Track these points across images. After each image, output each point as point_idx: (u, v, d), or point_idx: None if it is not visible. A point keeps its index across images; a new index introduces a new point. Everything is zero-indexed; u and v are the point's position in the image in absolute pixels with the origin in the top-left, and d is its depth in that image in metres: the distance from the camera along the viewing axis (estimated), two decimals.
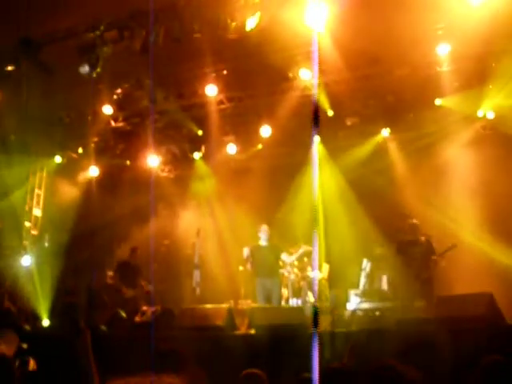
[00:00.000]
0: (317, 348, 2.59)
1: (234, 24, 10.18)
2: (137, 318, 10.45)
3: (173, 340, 7.88)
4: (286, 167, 15.15)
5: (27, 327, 11.99)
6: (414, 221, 11.97)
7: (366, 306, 12.53)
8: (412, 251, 11.64)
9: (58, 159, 15.28)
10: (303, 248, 13.89)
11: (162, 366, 4.13)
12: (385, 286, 13.88)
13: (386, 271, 13.71)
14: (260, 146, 15.56)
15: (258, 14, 9.97)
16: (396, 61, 11.87)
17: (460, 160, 13.45)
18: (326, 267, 13.61)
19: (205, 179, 15.94)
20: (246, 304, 13.49)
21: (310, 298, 13.63)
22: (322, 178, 15.04)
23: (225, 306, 11.71)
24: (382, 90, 13.15)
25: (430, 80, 12.47)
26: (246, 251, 12.63)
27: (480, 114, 13.12)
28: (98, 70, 11.10)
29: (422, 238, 11.79)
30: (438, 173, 13.74)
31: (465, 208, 12.77)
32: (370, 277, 13.22)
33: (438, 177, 13.77)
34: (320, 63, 12.12)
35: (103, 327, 10.41)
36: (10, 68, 11.78)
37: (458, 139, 13.72)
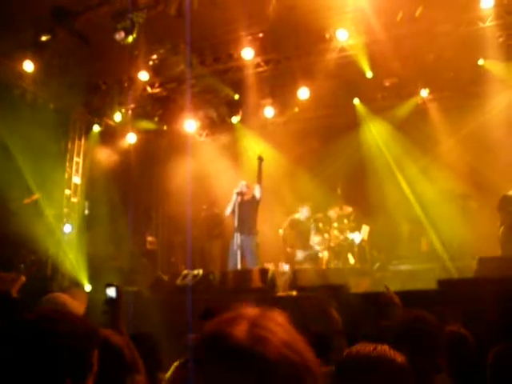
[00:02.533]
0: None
1: None
2: (178, 281, 10.54)
3: (214, 303, 7.93)
4: (324, 129, 15.08)
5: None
6: None
7: (405, 267, 12.51)
8: None
9: (96, 128, 15.36)
10: (344, 209, 13.91)
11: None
12: (424, 247, 13.84)
13: (425, 233, 13.67)
14: (297, 110, 15.47)
15: None
16: (436, 17, 11.58)
17: (502, 120, 13.16)
18: (365, 229, 13.55)
19: (244, 142, 15.92)
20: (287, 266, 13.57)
21: (351, 259, 13.64)
22: (363, 138, 15.02)
23: (266, 267, 11.79)
24: (421, 48, 12.88)
25: (472, 36, 12.15)
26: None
27: None
28: (134, 35, 11.08)
29: None
30: (478, 133, 13.49)
31: (506, 168, 12.54)
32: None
33: (478, 137, 13.52)
34: (357, 23, 11.97)
35: (146, 291, 10.55)
36: (45, 38, 11.81)
37: (500, 99, 13.41)
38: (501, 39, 12.17)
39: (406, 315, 3.49)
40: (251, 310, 1.51)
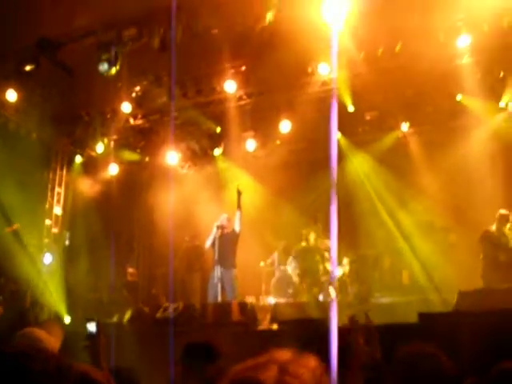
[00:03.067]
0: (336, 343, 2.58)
1: (252, 19, 10.20)
2: (158, 314, 10.47)
3: (195, 336, 7.89)
4: (306, 162, 15.16)
5: None
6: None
7: (386, 300, 12.54)
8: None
9: (78, 158, 15.35)
10: (324, 242, 13.98)
11: (193, 359, 4.13)
12: (406, 280, 13.89)
13: (406, 265, 13.72)
14: (278, 142, 15.55)
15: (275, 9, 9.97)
16: (415, 54, 11.75)
17: (481, 153, 13.31)
18: (346, 262, 13.60)
19: (225, 175, 15.94)
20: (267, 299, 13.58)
21: (332, 292, 13.62)
22: (345, 171, 15.11)
23: (245, 301, 11.77)
24: (401, 83, 13.05)
25: (450, 73, 12.35)
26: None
27: (502, 105, 13.04)
28: (117, 67, 11.14)
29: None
30: (458, 166, 13.63)
31: (486, 201, 12.65)
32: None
33: (458, 170, 13.66)
34: (339, 57, 12.10)
35: (125, 323, 10.47)
36: (29, 67, 11.84)
37: (479, 133, 13.59)
38: (478, 76, 12.38)
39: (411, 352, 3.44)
40: (283, 354, 1.50)
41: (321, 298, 13.32)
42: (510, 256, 11.09)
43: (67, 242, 15.15)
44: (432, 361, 3.35)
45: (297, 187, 14.91)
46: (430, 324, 8.09)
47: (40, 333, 3.68)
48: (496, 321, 7.55)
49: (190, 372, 4.04)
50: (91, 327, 3.79)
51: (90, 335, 3.80)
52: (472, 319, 7.54)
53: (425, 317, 8.47)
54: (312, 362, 1.47)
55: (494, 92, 12.81)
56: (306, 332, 8.09)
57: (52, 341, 3.71)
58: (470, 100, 13.20)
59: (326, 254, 14.12)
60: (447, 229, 13.81)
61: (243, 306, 10.04)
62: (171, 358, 5.15)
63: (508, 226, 11.48)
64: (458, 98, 13.30)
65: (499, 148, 13.16)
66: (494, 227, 11.53)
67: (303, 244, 14.26)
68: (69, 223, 15.05)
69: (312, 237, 14.10)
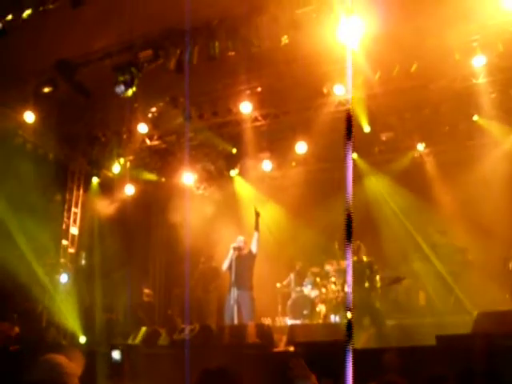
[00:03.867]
0: (351, 365, 2.55)
1: (267, 41, 10.24)
2: (175, 336, 10.44)
3: (212, 358, 7.85)
4: (322, 183, 15.10)
5: (65, 343, 12.10)
6: None
7: (403, 321, 12.44)
8: None
9: (94, 179, 15.43)
10: (341, 264, 13.94)
11: None
12: (422, 301, 13.80)
13: (423, 287, 13.64)
14: (294, 164, 15.56)
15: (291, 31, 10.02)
16: (431, 74, 11.76)
17: (498, 173, 13.24)
18: None
19: (242, 195, 15.95)
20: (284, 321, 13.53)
21: (348, 314, 13.55)
22: (361, 192, 15.09)
23: (263, 322, 11.72)
24: (416, 103, 13.06)
25: (466, 93, 12.35)
26: None
27: None
28: (133, 89, 11.19)
29: None
30: (474, 186, 13.56)
31: (504, 221, 12.57)
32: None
33: (474, 190, 13.59)
34: (354, 78, 12.12)
35: (141, 344, 10.45)
36: (47, 89, 11.96)
37: (495, 152, 13.54)
38: (493, 95, 12.35)
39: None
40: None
41: (337, 319, 13.25)
42: None
43: (83, 262, 15.19)
44: None
45: (314, 208, 14.86)
46: (447, 346, 8.01)
47: (61, 359, 3.68)
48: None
49: None
50: (116, 355, 3.77)
51: (115, 363, 3.79)
52: (490, 341, 7.45)
53: (442, 339, 8.39)
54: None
55: (509, 111, 12.77)
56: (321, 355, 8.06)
57: (73, 367, 3.71)
58: (486, 121, 13.17)
59: (343, 275, 14.07)
60: (465, 249, 13.73)
61: (260, 328, 10.00)
62: (187, 382, 5.13)
63: None
64: (475, 118, 13.27)
65: None
66: None
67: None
68: (85, 243, 15.09)
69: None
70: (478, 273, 13.09)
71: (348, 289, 10.06)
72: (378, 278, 11.58)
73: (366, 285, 11.37)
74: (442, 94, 12.43)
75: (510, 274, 11.51)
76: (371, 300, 11.36)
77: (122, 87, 11.13)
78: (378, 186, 15.13)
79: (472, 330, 8.94)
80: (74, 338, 12.84)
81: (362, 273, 11.50)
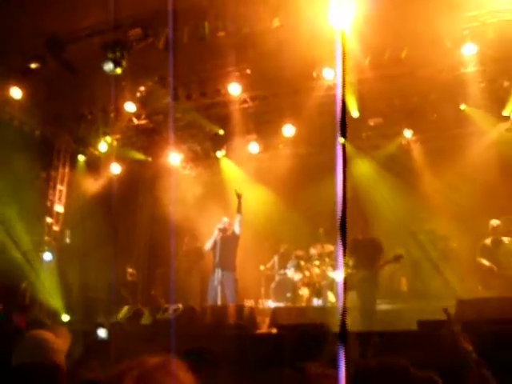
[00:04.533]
0: (342, 348, 2.55)
1: (258, 23, 10.20)
2: (158, 316, 10.46)
3: (194, 338, 7.87)
4: (309, 167, 15.12)
5: (48, 321, 12.08)
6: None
7: (386, 307, 12.52)
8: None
9: (80, 157, 15.34)
10: (326, 248, 13.99)
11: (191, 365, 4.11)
12: (404, 287, 13.90)
13: (405, 273, 13.73)
14: (281, 146, 15.54)
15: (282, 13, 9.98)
16: (421, 61, 11.76)
17: (484, 162, 13.31)
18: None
19: (228, 177, 15.93)
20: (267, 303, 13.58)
21: (331, 297, 13.64)
22: (347, 177, 15.08)
23: (246, 304, 11.77)
24: (405, 90, 13.07)
25: (455, 81, 12.37)
26: None
27: (505, 114, 13.06)
28: (122, 67, 11.11)
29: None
30: (460, 175, 13.64)
31: (487, 210, 12.65)
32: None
33: (460, 179, 13.67)
34: (344, 63, 12.10)
35: (124, 323, 10.46)
36: (34, 65, 11.84)
37: (482, 141, 13.60)
38: (482, 84, 12.39)
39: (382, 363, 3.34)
40: (150, 360, 1.48)
41: (319, 302, 13.31)
42: (503, 269, 11.23)
43: (67, 241, 15.13)
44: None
45: (300, 191, 14.90)
46: (429, 331, 8.09)
47: (48, 335, 3.66)
48: (493, 330, 7.56)
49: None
50: (102, 333, 3.76)
51: (101, 341, 3.78)
52: (470, 328, 7.52)
53: (424, 324, 8.47)
54: (178, 369, 1.46)
55: (497, 101, 12.83)
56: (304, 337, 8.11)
57: (60, 343, 3.70)
58: (473, 110, 13.22)
59: (327, 259, 14.13)
60: (448, 237, 13.83)
61: (240, 310, 10.04)
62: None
63: (502, 236, 11.62)
64: (462, 107, 13.31)
65: (501, 157, 13.15)
66: (489, 240, 11.62)
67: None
68: (70, 221, 15.03)
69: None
70: (459, 260, 13.22)
71: (333, 273, 10.09)
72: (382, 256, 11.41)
73: (371, 265, 11.20)
74: (430, 81, 12.44)
75: (480, 265, 11.63)
76: (374, 282, 11.26)
77: (111, 65, 11.04)
78: (363, 171, 15.17)
79: (453, 316, 9.03)
80: (57, 316, 12.83)
81: (368, 251, 11.35)
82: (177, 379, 1.42)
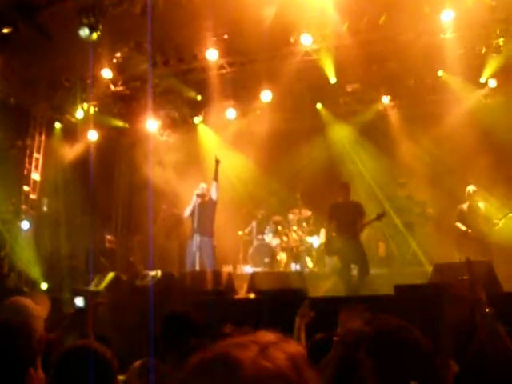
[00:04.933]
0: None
1: None
2: (137, 282, 10.50)
3: (173, 304, 7.91)
4: (286, 132, 15.13)
5: (26, 290, 12.08)
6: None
7: None
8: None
9: (57, 124, 15.19)
10: (303, 213, 14.07)
11: (172, 331, 4.14)
12: (382, 252, 14.04)
13: (383, 238, 13.86)
14: (258, 112, 15.50)
15: None
16: (399, 26, 11.75)
17: (460, 128, 13.39)
18: (324, 233, 13.66)
19: (205, 143, 15.90)
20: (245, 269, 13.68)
21: (309, 263, 13.76)
22: (324, 142, 15.17)
23: (224, 270, 11.83)
24: (383, 55, 13.06)
25: (433, 47, 12.37)
26: None
27: (482, 81, 13.13)
28: (98, 33, 10.97)
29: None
30: (437, 141, 13.72)
31: (465, 176, 12.75)
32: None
33: (437, 145, 13.76)
34: (322, 28, 12.08)
35: (103, 290, 10.48)
36: (6, 30, 11.64)
37: (459, 108, 13.66)
38: (460, 51, 12.41)
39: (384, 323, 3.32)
40: (267, 336, 1.46)
41: (297, 267, 13.42)
42: (478, 233, 11.35)
43: (45, 209, 15.04)
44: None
45: (277, 156, 14.91)
46: (405, 296, 8.22)
47: (27, 301, 3.67)
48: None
49: (169, 343, 4.05)
50: (79, 302, 3.77)
51: (79, 310, 3.78)
52: (445, 291, 7.65)
53: (400, 289, 8.60)
54: (294, 347, 1.44)
55: (475, 68, 12.88)
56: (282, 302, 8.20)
57: (39, 310, 3.70)
58: (451, 77, 13.29)
59: (304, 225, 14.23)
60: (424, 202, 13.95)
61: (218, 275, 10.10)
62: (151, 326, 5.16)
63: (478, 201, 11.72)
64: (439, 73, 13.36)
65: (478, 123, 13.23)
66: (465, 205, 11.73)
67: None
68: (47, 189, 14.92)
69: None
70: (436, 226, 13.37)
71: (311, 239, 10.10)
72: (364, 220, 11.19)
73: (354, 228, 10.98)
74: (408, 47, 12.42)
75: (456, 229, 11.78)
76: (359, 245, 11.08)
77: (87, 30, 10.89)
78: (341, 136, 15.23)
79: (429, 280, 9.18)
80: (35, 285, 12.82)
81: (350, 215, 11.13)
82: (292, 360, 1.37)
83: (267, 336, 1.42)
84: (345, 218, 11.00)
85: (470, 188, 11.77)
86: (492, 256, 10.66)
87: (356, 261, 10.86)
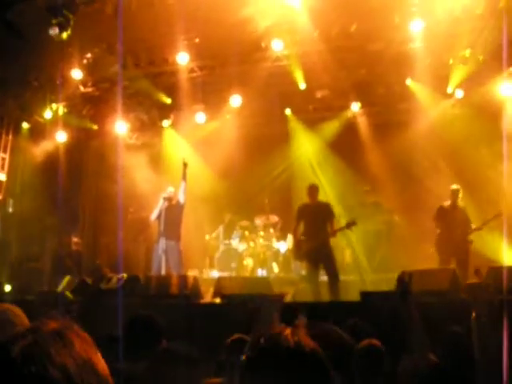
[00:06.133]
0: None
1: None
2: (102, 285, 10.40)
3: (138, 307, 7.87)
4: (255, 138, 15.13)
5: None
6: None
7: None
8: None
9: (25, 124, 15.02)
10: (271, 218, 14.11)
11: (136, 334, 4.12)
12: (348, 259, 14.11)
13: (349, 245, 13.93)
14: (228, 117, 15.50)
15: None
16: (369, 35, 11.86)
17: (428, 137, 13.52)
18: (291, 238, 13.69)
19: (172, 147, 15.86)
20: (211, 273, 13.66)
21: (275, 268, 13.78)
22: (292, 149, 15.23)
23: (190, 274, 11.80)
24: (354, 63, 13.18)
25: (402, 56, 12.50)
26: None
27: (449, 90, 13.28)
28: (68, 32, 10.89)
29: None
30: (405, 149, 13.83)
31: (431, 185, 12.87)
32: None
33: (405, 153, 13.86)
34: (293, 34, 12.13)
35: (68, 293, 10.37)
36: None
37: (427, 117, 13.80)
38: (427, 61, 12.56)
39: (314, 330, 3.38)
40: (47, 325, 1.47)
41: (264, 273, 13.44)
42: (462, 230, 11.23)
43: (11, 210, 14.86)
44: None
45: (246, 162, 14.88)
46: (371, 303, 8.27)
47: (17, 310, 3.60)
48: (429, 301, 7.85)
49: (133, 346, 4.02)
50: None
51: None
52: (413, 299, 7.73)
53: (367, 295, 8.66)
54: (77, 337, 1.45)
55: (442, 78, 13.03)
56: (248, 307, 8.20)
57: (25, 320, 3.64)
58: (418, 86, 13.44)
59: (271, 230, 14.26)
60: (392, 209, 14.07)
61: (184, 279, 10.07)
62: (118, 331, 5.11)
63: (459, 199, 11.62)
64: (408, 82, 13.50)
65: (445, 132, 13.38)
66: (447, 203, 11.65)
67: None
68: (13, 190, 14.75)
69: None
70: (403, 233, 13.47)
71: (278, 244, 10.09)
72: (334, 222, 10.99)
73: (323, 231, 10.78)
74: (378, 55, 12.55)
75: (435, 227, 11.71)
76: (329, 249, 10.88)
77: (57, 30, 10.80)
78: (308, 143, 15.32)
79: (395, 287, 9.26)
80: None
81: (319, 217, 10.89)
82: (71, 348, 1.39)
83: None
84: (313, 220, 10.82)
85: (454, 186, 11.64)
86: (469, 258, 10.81)
87: (324, 265, 10.74)
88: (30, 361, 1.28)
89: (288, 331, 1.71)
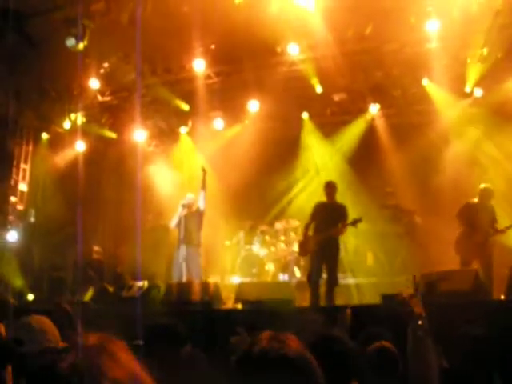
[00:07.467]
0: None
1: None
2: (124, 293, 10.44)
3: (160, 315, 7.88)
4: (273, 142, 15.10)
5: (13, 301, 11.99)
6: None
7: (351, 281, 12.65)
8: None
9: (44, 135, 15.14)
10: (291, 223, 14.07)
11: (156, 342, 4.11)
12: (370, 262, 14.04)
13: (371, 247, 13.86)
14: (247, 122, 15.51)
15: None
16: (385, 36, 11.81)
17: (446, 138, 13.44)
18: None
19: (190, 154, 15.89)
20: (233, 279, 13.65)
21: (297, 273, 13.74)
22: (311, 153, 15.20)
23: (211, 280, 11.79)
24: (370, 65, 13.13)
25: (418, 57, 12.43)
26: None
27: (467, 90, 13.16)
28: (85, 42, 10.97)
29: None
30: (424, 150, 13.75)
31: (451, 185, 12.77)
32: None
33: (424, 154, 13.77)
34: (308, 38, 12.12)
35: (90, 302, 10.42)
36: None
37: (445, 117, 13.71)
38: (444, 61, 12.47)
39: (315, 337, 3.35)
40: (87, 339, 1.47)
41: (285, 277, 13.41)
42: (482, 233, 10.75)
43: (32, 220, 14.95)
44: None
45: (265, 166, 14.86)
46: (392, 305, 8.21)
47: (45, 320, 3.61)
48: (448, 303, 7.77)
49: (153, 355, 4.02)
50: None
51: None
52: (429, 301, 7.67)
53: (388, 298, 8.60)
54: (119, 350, 1.45)
55: (459, 78, 12.93)
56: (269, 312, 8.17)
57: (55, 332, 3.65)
58: (434, 87, 13.35)
59: (292, 234, 14.22)
60: (413, 211, 13.97)
61: (205, 286, 10.06)
62: (137, 339, 5.11)
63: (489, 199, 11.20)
64: (424, 83, 13.42)
65: (464, 133, 13.30)
66: (475, 200, 11.11)
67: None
68: (34, 200, 14.86)
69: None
70: (424, 235, 13.37)
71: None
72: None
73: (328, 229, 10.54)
74: (394, 57, 12.50)
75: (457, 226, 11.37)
76: (336, 248, 10.70)
77: (73, 40, 10.90)
78: (329, 145, 15.29)
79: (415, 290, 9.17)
80: (22, 296, 12.74)
81: (332, 217, 10.65)
82: (117, 361, 1.39)
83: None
84: (326, 220, 10.61)
85: (483, 185, 11.27)
86: (491, 259, 10.55)
87: (327, 267, 10.44)
88: (82, 377, 1.27)
89: (274, 336, 1.74)
